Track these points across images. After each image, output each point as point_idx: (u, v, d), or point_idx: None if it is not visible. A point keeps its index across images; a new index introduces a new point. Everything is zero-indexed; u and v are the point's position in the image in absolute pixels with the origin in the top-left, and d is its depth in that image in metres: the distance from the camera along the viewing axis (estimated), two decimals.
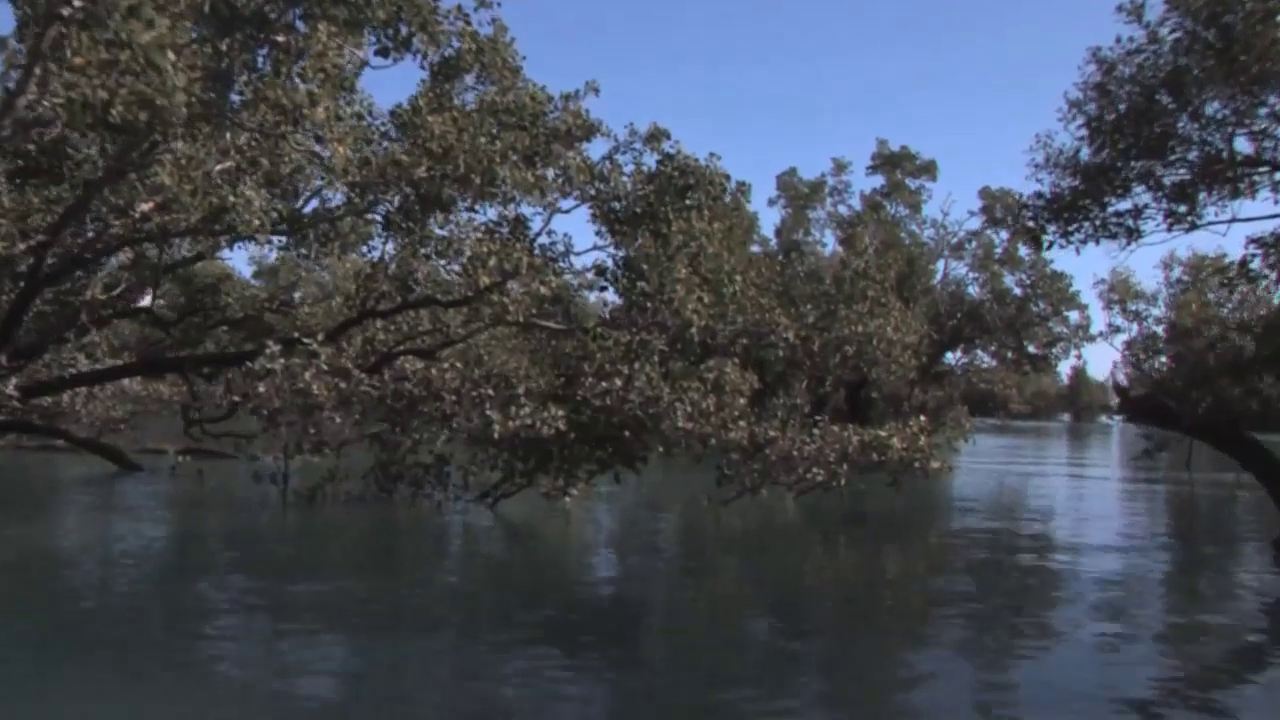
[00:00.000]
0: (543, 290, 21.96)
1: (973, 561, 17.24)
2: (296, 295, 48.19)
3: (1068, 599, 13.91)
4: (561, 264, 22.70)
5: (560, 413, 16.99)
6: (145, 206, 18.25)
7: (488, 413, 17.55)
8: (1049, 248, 18.53)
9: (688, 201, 19.23)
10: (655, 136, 21.30)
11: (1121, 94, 16.81)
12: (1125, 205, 17.86)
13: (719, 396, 21.29)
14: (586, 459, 17.33)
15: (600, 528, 19.91)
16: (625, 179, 21.26)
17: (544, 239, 23.13)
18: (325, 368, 20.37)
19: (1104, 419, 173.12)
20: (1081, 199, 17.86)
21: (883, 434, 22.10)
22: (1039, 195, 18.23)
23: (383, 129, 17.79)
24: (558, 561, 16.11)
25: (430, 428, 19.00)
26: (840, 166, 57.84)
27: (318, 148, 15.18)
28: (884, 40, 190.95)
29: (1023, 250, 58.33)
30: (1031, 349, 53.38)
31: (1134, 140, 17.26)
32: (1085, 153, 18.60)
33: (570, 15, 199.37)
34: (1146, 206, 17.92)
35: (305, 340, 20.73)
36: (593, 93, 18.94)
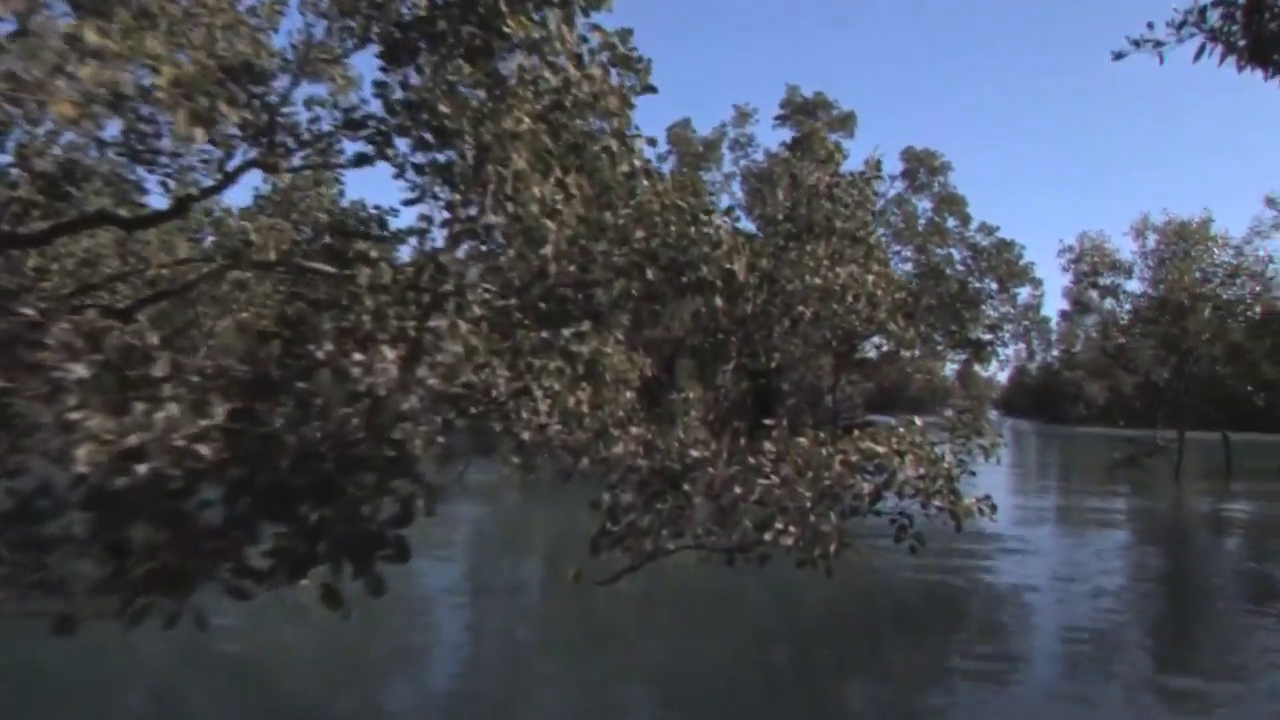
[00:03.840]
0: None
1: None
2: None
3: None
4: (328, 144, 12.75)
5: (215, 423, 7.06)
6: None
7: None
8: None
9: None
10: None
11: None
12: None
13: (596, 389, 12.19)
14: (252, 541, 7.23)
15: (370, 651, 10.19)
16: None
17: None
18: None
19: (992, 415, 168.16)
20: None
21: (880, 449, 12.69)
22: None
23: None
24: None
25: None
26: (744, 115, 48.52)
27: None
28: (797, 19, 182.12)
29: (951, 221, 50.41)
30: (971, 333, 44.74)
31: None
32: None
33: None
34: None
35: None
36: None
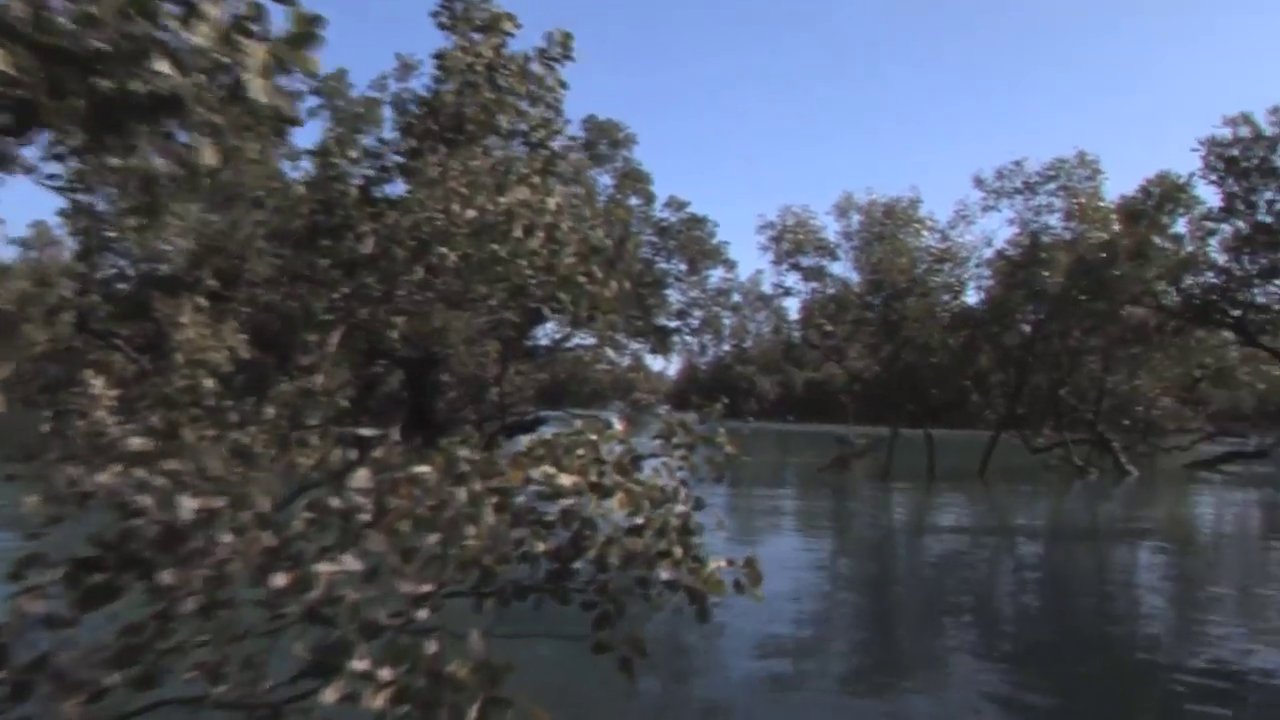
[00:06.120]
0: None
1: None
2: None
3: None
4: None
5: None
6: None
7: None
8: None
9: None
10: None
11: None
12: None
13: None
14: None
15: None
16: None
17: None
18: None
19: (661, 410, 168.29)
20: None
21: (566, 479, 7.12)
22: None
23: None
24: None
25: None
26: (408, 67, 41.90)
27: None
28: None
29: (634, 199, 46.34)
30: (656, 319, 40.38)
31: None
32: None
33: None
34: None
35: None
36: None
